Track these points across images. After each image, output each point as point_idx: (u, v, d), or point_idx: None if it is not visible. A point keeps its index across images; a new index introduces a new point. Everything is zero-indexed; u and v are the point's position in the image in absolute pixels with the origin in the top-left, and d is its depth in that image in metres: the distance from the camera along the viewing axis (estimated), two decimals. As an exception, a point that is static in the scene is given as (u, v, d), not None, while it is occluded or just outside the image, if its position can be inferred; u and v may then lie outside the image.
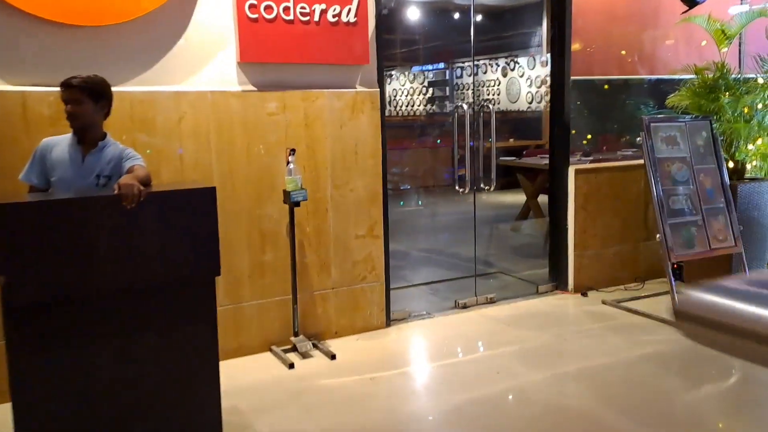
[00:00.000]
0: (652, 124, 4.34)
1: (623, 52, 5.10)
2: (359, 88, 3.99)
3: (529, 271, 5.34)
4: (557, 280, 4.96)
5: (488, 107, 5.08)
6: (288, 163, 3.65)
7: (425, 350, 3.98)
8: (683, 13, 4.67)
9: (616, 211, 4.98)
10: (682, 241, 4.27)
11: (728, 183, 4.46)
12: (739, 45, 5.33)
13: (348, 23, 3.83)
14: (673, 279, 4.19)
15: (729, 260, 4.52)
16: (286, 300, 3.87)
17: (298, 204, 3.70)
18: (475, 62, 5.47)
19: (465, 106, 4.72)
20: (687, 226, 4.30)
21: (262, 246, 3.80)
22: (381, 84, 4.06)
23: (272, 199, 3.79)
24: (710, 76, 4.71)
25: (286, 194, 3.66)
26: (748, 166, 4.80)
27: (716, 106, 4.55)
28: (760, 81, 4.58)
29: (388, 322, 4.26)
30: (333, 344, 3.96)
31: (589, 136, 4.98)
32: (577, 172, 4.81)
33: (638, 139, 4.58)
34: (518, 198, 7.04)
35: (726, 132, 4.59)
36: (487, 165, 4.89)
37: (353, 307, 4.13)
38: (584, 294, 4.84)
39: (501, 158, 6.79)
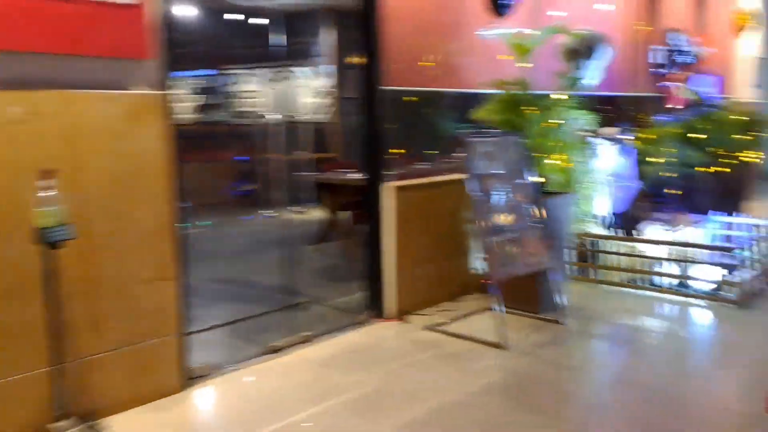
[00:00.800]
0: (471, 141, 4.13)
1: (431, 64, 4.87)
2: (140, 90, 3.11)
3: (344, 297, 4.85)
4: (375, 307, 4.53)
5: (291, 118, 4.46)
6: (41, 190, 2.65)
7: (234, 418, 3.21)
8: (491, 24, 4.57)
9: (431, 229, 4.72)
10: (502, 260, 4.11)
11: (539, 198, 4.44)
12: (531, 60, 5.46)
13: (125, 4, 2.95)
14: (498, 303, 4.00)
15: (539, 275, 4.50)
16: (41, 374, 2.84)
17: (57, 244, 2.71)
18: (254, 69, 4.83)
19: (265, 116, 4.04)
20: (506, 243, 4.16)
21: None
22: (167, 85, 3.22)
23: (17, 238, 2.74)
24: (513, 91, 4.67)
25: (40, 232, 2.66)
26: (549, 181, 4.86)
27: (524, 122, 4.51)
28: (558, 97, 4.66)
29: (186, 383, 3.42)
30: (114, 422, 3.02)
31: (399, 151, 4.64)
32: (392, 190, 4.43)
33: (460, 154, 4.34)
34: (322, 215, 6.53)
35: (533, 147, 4.58)
36: (287, 180, 4.28)
37: (140, 371, 3.22)
38: (404, 320, 4.48)
39: (298, 173, 6.24)
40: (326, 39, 9.11)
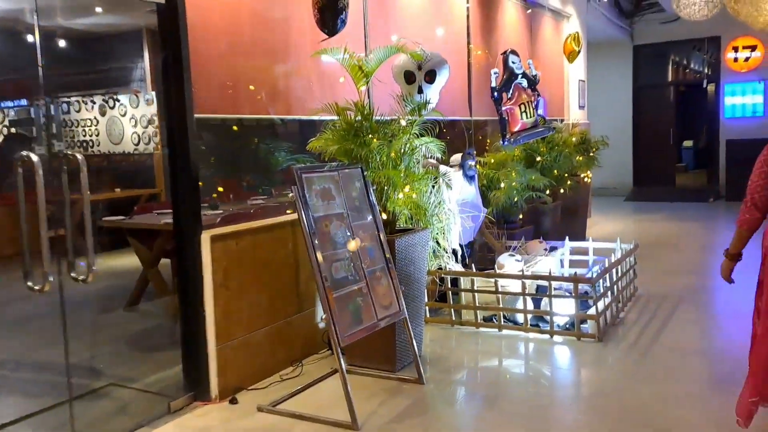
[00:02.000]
0: (304, 176, 3.43)
1: (252, 88, 4.14)
2: None
3: (157, 375, 3.90)
4: (195, 387, 3.64)
5: (74, 152, 3.47)
6: None
7: None
8: (322, 41, 3.95)
9: (264, 283, 3.94)
10: (350, 317, 3.44)
11: (386, 238, 3.84)
12: (368, 85, 4.93)
13: None
14: (344, 367, 3.31)
15: (393, 328, 3.91)
16: None
17: None
18: (63, 99, 3.80)
19: (34, 156, 3.02)
20: (352, 297, 3.50)
21: None
22: None
23: None
24: (352, 117, 4.07)
25: None
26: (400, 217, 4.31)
27: (366, 152, 3.91)
28: (403, 123, 4.13)
29: None
30: None
31: (222, 189, 3.85)
32: (214, 239, 3.60)
33: (290, 194, 3.61)
34: (133, 265, 5.42)
35: (377, 180, 3.99)
36: (84, 226, 3.27)
37: None
38: (233, 400, 3.63)
39: (105, 218, 5.16)
40: (141, 62, 8.03)
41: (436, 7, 6.30)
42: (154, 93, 8.40)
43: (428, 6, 6.15)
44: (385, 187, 4.06)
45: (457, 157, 5.53)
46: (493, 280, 4.74)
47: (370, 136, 4.01)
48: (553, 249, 5.82)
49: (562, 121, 9.69)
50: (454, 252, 5.06)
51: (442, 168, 5.16)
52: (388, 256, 3.80)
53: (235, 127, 4.18)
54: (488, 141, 6.98)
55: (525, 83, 6.13)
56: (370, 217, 3.80)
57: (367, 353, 4.02)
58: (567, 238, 5.95)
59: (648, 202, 12.35)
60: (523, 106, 6.00)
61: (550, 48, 9.12)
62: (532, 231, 6.49)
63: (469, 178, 5.48)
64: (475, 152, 5.57)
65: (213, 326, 3.62)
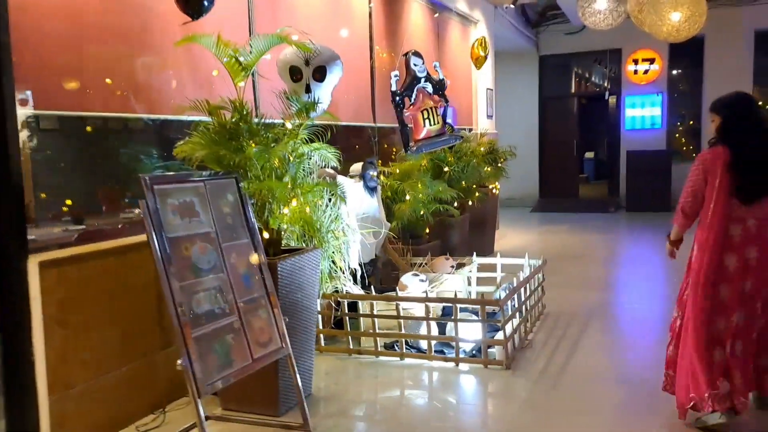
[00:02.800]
0: (157, 187, 2.79)
1: (108, 81, 3.46)
2: None
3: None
4: (22, 450, 2.91)
5: None
6: None
7: None
8: (185, 24, 3.33)
9: (116, 317, 3.26)
10: (217, 361, 2.83)
11: (266, 261, 3.26)
12: (253, 79, 4.34)
13: None
14: (204, 420, 2.70)
15: (275, 366, 3.33)
16: None
17: None
18: None
19: None
20: (220, 334, 2.89)
21: None
22: None
23: None
24: (228, 118, 3.48)
25: None
26: (284, 234, 3.74)
27: (242, 159, 3.32)
28: (289, 126, 3.57)
29: None
30: None
31: (60, 204, 3.14)
32: (45, 265, 2.89)
33: (137, 210, 2.96)
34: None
35: (256, 193, 3.41)
36: None
37: None
38: (73, 464, 2.93)
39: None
40: None
41: (336, 4, 5.80)
42: None
43: (328, 2, 5.64)
44: (268, 201, 3.49)
45: (357, 167, 5.04)
46: (394, 303, 4.26)
47: (249, 140, 3.43)
48: (461, 266, 5.44)
49: (470, 130, 9.45)
50: (353, 272, 4.56)
51: (340, 179, 4.65)
52: (268, 283, 3.23)
53: (89, 128, 3.48)
54: (394, 149, 6.54)
55: (430, 88, 5.73)
56: (246, 238, 3.21)
57: (246, 395, 3.43)
58: (474, 254, 5.58)
59: (553, 213, 12.40)
60: (426, 112, 5.60)
61: (458, 55, 8.84)
62: (440, 246, 6.10)
63: (371, 190, 5.00)
64: (377, 161, 5.09)
65: (45, 372, 2.91)
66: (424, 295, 4.29)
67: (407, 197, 5.65)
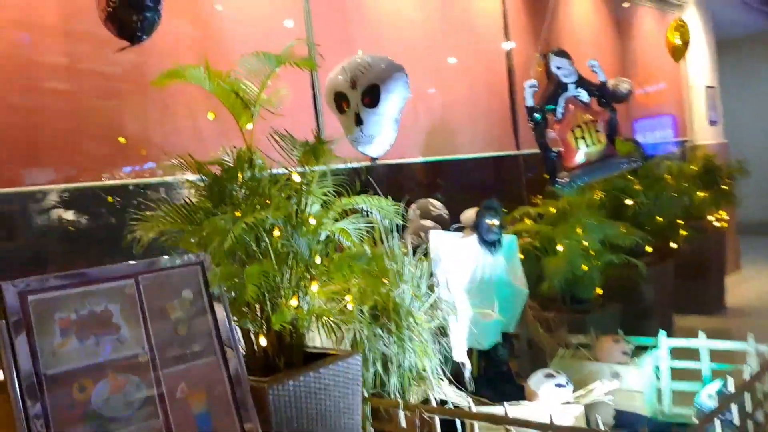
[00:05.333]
0: (33, 298, 1.84)
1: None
2: None
3: None
4: None
5: None
6: None
7: None
8: (122, 49, 2.42)
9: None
10: None
11: (247, 388, 2.12)
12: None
13: None
14: None
15: None
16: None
17: None
18: None
19: None
20: None
21: None
22: None
23: None
24: (223, 174, 2.46)
25: None
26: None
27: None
28: (296, 179, 2.42)
29: None
30: None
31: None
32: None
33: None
34: None
35: (238, 279, 2.30)
36: None
37: None
38: None
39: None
40: None
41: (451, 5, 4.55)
42: None
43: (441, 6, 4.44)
44: (267, 291, 2.36)
45: (470, 215, 3.68)
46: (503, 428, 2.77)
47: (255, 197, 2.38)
48: (643, 349, 3.68)
49: (684, 143, 7.35)
50: (457, 369, 3.19)
51: (432, 235, 3.35)
52: (248, 425, 2.08)
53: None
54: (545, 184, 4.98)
55: (585, 96, 4.15)
56: (213, 354, 2.12)
57: None
58: (663, 333, 3.72)
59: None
60: (579, 130, 4.02)
61: (657, 48, 6.89)
62: (619, 312, 4.36)
63: (489, 246, 3.59)
64: (499, 205, 3.67)
65: None
66: (558, 413, 2.73)
67: (559, 247, 4.09)
